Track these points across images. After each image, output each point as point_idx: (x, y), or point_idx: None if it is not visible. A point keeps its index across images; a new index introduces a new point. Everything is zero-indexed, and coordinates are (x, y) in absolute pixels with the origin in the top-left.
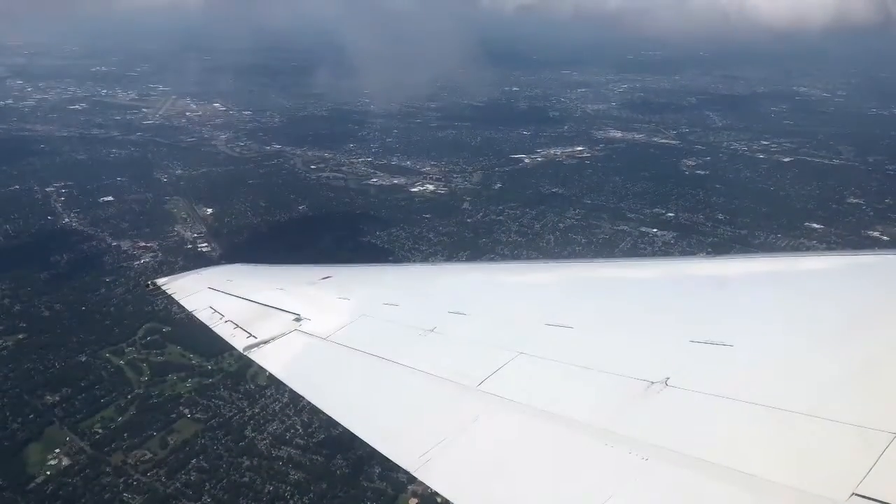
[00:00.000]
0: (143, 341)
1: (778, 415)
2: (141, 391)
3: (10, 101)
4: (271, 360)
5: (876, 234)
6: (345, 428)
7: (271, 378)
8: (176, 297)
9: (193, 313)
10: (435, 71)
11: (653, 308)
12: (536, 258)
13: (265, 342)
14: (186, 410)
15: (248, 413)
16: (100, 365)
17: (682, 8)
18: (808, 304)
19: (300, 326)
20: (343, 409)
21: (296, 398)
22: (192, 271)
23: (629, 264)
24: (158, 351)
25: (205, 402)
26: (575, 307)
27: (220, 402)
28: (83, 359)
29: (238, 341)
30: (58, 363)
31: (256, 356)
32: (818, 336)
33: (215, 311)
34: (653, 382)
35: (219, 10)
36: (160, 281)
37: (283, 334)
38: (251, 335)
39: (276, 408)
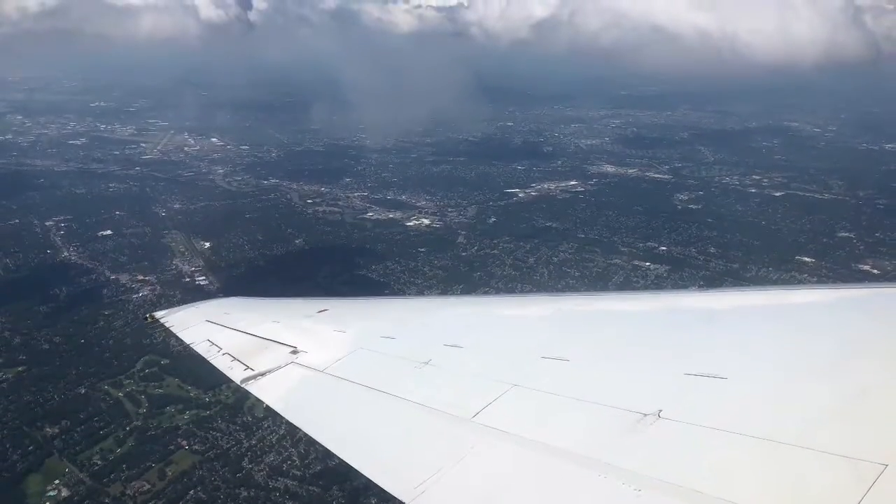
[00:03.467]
0: (141, 373)
1: (770, 447)
2: (139, 423)
3: (9, 136)
4: (268, 393)
5: (867, 267)
6: (341, 459)
7: (268, 410)
8: (174, 330)
9: (191, 346)
10: (430, 106)
11: (647, 341)
12: (531, 291)
13: (262, 374)
14: (184, 442)
15: (246, 444)
16: (99, 397)
17: (675, 44)
18: (800, 336)
19: (297, 359)
20: (339, 441)
21: (293, 429)
22: (190, 304)
23: (623, 297)
24: (157, 383)
25: (202, 433)
26: (570, 340)
27: (218, 434)
28: (82, 391)
29: (235, 374)
30: (57, 395)
31: (253, 388)
32: (810, 368)
33: (213, 343)
34: (646, 414)
35: (216, 46)
36: (158, 314)
37: (280, 367)
38: (248, 367)
39: (273, 439)
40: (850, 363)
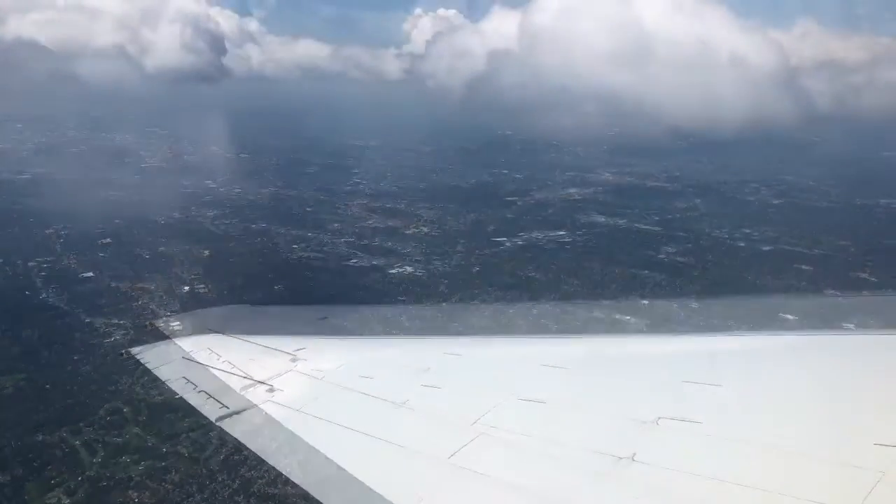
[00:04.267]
0: (102, 421)
1: (743, 490)
2: (92, 473)
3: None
4: (242, 431)
5: (851, 326)
6: (315, 499)
7: (225, 462)
8: (149, 366)
9: (166, 383)
10: (424, 152)
11: (622, 384)
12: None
13: (237, 413)
14: (135, 494)
15: (198, 498)
16: (55, 444)
17: (672, 94)
18: (775, 381)
19: (273, 397)
20: (314, 480)
21: (246, 484)
22: (167, 341)
23: (599, 341)
24: (116, 431)
25: (154, 485)
26: (546, 382)
27: (170, 487)
28: (40, 438)
29: (210, 412)
30: (13, 442)
31: (228, 427)
32: (781, 413)
33: (188, 380)
34: (620, 458)
35: (217, 88)
36: (134, 350)
37: (256, 405)
38: (223, 406)
39: (226, 494)
40: (822, 407)
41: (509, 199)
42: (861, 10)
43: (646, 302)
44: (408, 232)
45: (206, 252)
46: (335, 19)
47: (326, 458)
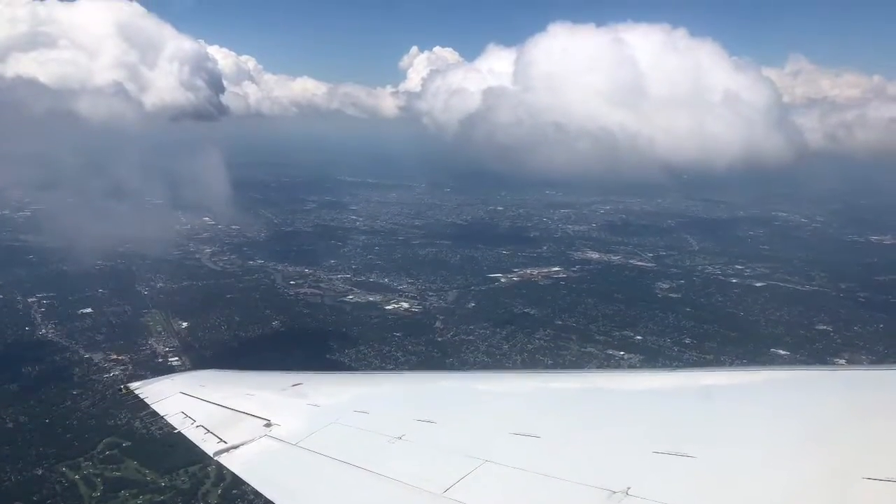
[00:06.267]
0: (101, 455)
1: None
2: None
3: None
4: (240, 465)
5: (842, 361)
6: None
7: (223, 496)
8: (148, 401)
9: (165, 418)
10: (420, 189)
11: (616, 419)
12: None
13: (235, 447)
14: None
15: None
16: (55, 479)
17: (666, 131)
18: (769, 416)
19: (270, 432)
20: None
21: None
22: (166, 376)
23: (592, 375)
24: (115, 466)
25: None
26: (541, 417)
27: None
28: (39, 472)
29: (208, 446)
30: (14, 476)
31: (226, 461)
32: (776, 447)
33: (187, 415)
34: (614, 492)
35: (215, 125)
36: (133, 385)
37: (253, 440)
38: (221, 440)
39: None
40: (814, 441)
41: (504, 235)
42: (852, 49)
43: (639, 337)
44: (403, 268)
45: (202, 289)
46: (332, 58)
47: (322, 492)
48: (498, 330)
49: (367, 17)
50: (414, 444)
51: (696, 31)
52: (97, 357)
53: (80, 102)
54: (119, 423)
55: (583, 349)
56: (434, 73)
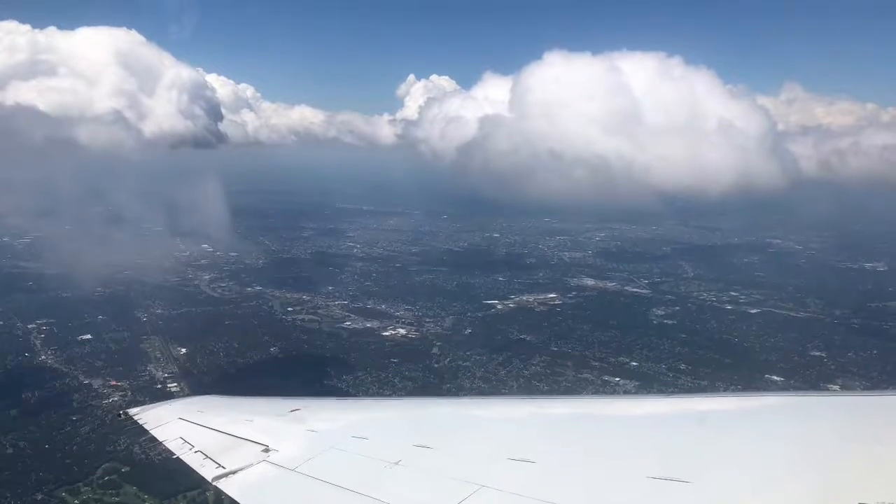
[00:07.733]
0: (100, 481)
1: None
2: None
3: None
4: (239, 491)
5: (836, 387)
6: None
7: None
8: (147, 427)
9: (164, 443)
10: (417, 216)
11: (612, 444)
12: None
13: (233, 472)
14: None
15: None
16: None
17: (661, 159)
18: (763, 441)
19: (269, 458)
20: None
21: None
22: (165, 402)
23: (588, 402)
24: (114, 491)
25: None
26: (537, 442)
27: None
28: (39, 497)
29: (207, 471)
30: (14, 501)
31: (224, 486)
32: (771, 472)
33: (185, 441)
34: None
35: (213, 152)
36: (132, 411)
37: (252, 465)
38: (220, 465)
39: None
40: (808, 466)
41: (501, 262)
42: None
43: (635, 363)
44: (400, 295)
45: (201, 315)
46: (329, 86)
47: None
48: (494, 356)
49: (364, 45)
50: (411, 470)
51: (691, 59)
52: (96, 383)
53: (80, 130)
54: (118, 448)
55: (579, 375)
56: (431, 101)
